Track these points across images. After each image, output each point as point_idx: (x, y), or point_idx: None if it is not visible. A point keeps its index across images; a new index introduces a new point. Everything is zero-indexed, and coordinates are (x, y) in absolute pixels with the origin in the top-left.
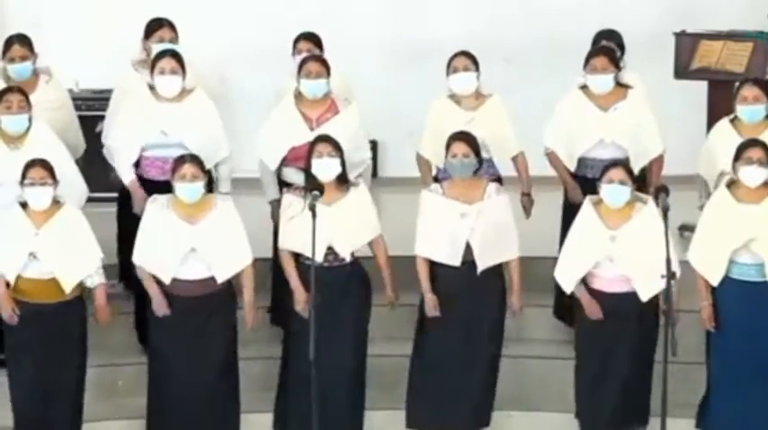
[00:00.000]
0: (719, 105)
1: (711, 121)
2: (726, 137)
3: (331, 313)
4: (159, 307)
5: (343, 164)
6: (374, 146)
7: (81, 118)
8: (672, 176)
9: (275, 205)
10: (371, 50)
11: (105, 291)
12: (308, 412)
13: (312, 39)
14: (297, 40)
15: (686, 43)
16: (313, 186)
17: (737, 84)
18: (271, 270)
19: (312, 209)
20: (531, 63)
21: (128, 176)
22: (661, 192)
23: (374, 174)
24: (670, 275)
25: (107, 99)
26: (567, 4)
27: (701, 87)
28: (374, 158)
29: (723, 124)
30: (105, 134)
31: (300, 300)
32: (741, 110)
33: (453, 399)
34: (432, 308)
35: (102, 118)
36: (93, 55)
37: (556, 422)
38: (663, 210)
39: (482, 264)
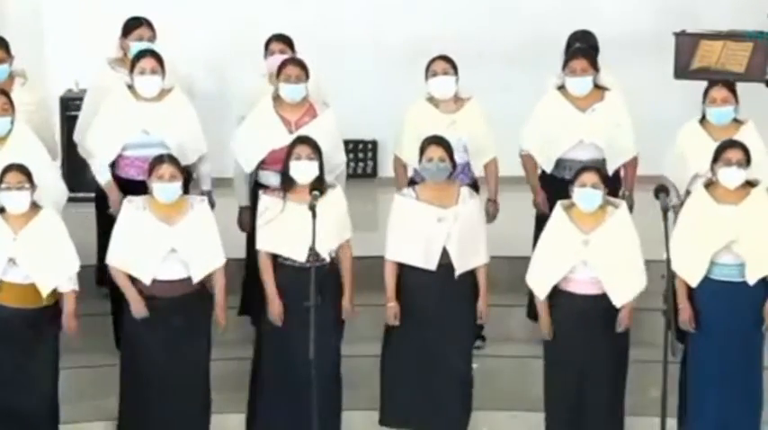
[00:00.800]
0: None
1: None
2: (696, 139)
3: (308, 314)
4: (138, 309)
5: (321, 166)
6: (374, 146)
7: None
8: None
9: (244, 212)
10: (371, 50)
11: (75, 297)
12: (279, 413)
13: (284, 40)
14: (269, 42)
15: (686, 43)
16: (314, 186)
17: (706, 85)
18: (245, 269)
19: (312, 209)
20: (527, 63)
21: (104, 177)
22: (661, 192)
23: (374, 173)
24: (670, 275)
25: None
26: (566, 4)
27: (701, 87)
28: (374, 158)
29: (692, 126)
30: (81, 134)
31: (274, 310)
32: (710, 112)
33: (429, 402)
34: (392, 316)
35: None
36: (93, 55)
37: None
38: (663, 210)
39: (459, 267)
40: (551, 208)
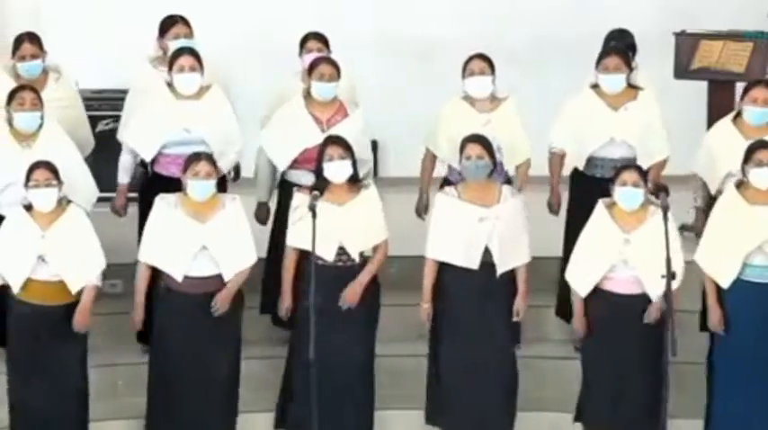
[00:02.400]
0: (719, 105)
1: (711, 121)
2: (728, 137)
3: (340, 313)
4: (138, 319)
5: (354, 165)
6: (374, 146)
7: None
8: (672, 176)
9: (262, 207)
10: (371, 50)
11: (95, 293)
12: (310, 412)
13: (320, 38)
14: (305, 40)
15: (686, 43)
16: (314, 186)
17: (746, 84)
18: (265, 268)
19: (312, 209)
20: (530, 63)
21: (122, 179)
22: (661, 191)
23: (374, 173)
24: (670, 275)
25: (107, 99)
26: (567, 4)
27: (701, 87)
28: (374, 158)
29: (725, 124)
30: (121, 131)
31: (284, 305)
32: (750, 111)
33: (473, 404)
34: (426, 317)
35: (102, 118)
36: (93, 55)
37: (563, 422)
38: (663, 210)
39: (502, 268)
40: (581, 206)
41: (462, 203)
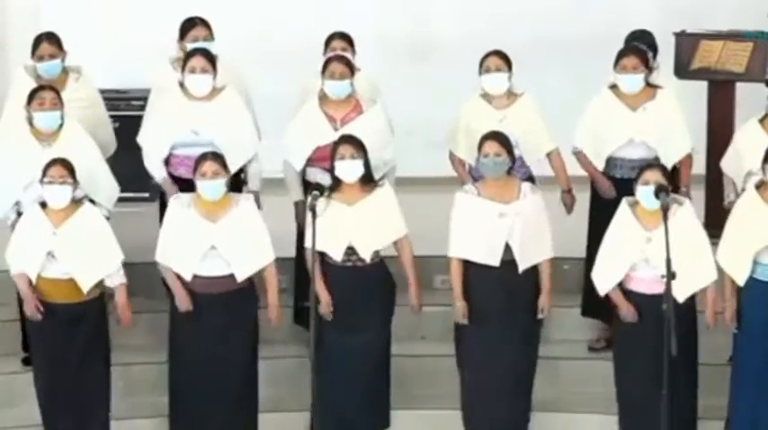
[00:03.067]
0: (719, 105)
1: (711, 121)
2: (753, 136)
3: (351, 313)
4: (182, 303)
5: (366, 164)
6: None
7: None
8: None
9: (300, 206)
10: (371, 50)
11: (126, 290)
12: (339, 410)
13: (345, 38)
14: (330, 39)
15: (686, 43)
16: (316, 186)
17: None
18: (294, 270)
19: (312, 209)
20: (530, 62)
21: (160, 174)
22: (661, 191)
23: None
24: (670, 275)
25: (110, 99)
26: (567, 4)
27: (701, 87)
28: None
29: (751, 124)
30: (140, 133)
31: (323, 304)
32: None
33: (495, 400)
34: (461, 315)
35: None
36: (95, 55)
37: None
38: (663, 209)
39: (523, 264)
40: (601, 206)
41: (482, 200)
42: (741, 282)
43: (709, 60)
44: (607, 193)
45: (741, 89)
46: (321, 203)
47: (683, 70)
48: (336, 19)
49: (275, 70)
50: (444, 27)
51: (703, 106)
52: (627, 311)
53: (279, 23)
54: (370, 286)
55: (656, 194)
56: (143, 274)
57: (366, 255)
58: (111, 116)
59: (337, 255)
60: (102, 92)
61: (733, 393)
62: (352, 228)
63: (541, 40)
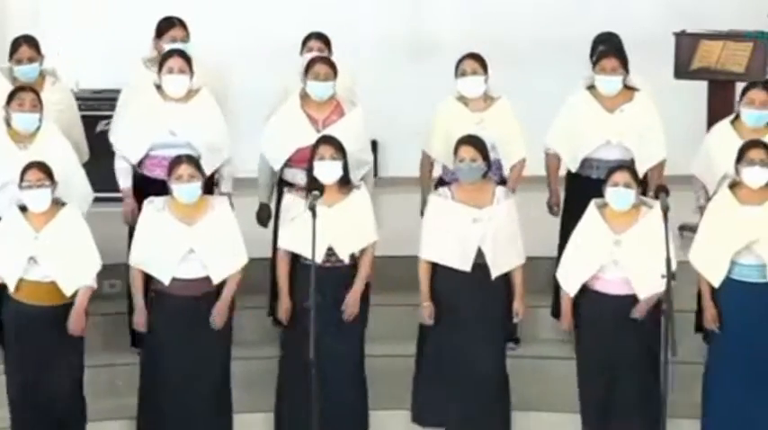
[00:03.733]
0: (719, 105)
1: (711, 121)
2: (726, 139)
3: (329, 314)
4: (139, 321)
5: (345, 166)
6: (374, 146)
7: (81, 118)
8: (672, 176)
9: (264, 208)
10: (371, 50)
11: (89, 295)
12: (308, 412)
13: (322, 38)
14: (307, 39)
15: (686, 43)
16: (314, 186)
17: (744, 85)
18: (270, 272)
19: (312, 209)
20: (530, 63)
21: (124, 182)
22: (661, 191)
23: (374, 173)
24: (670, 275)
25: (107, 99)
26: (567, 4)
27: (701, 87)
28: (374, 158)
29: (723, 126)
30: (112, 131)
31: (282, 307)
32: (747, 113)
33: (463, 403)
34: (427, 316)
35: (102, 118)
36: (94, 55)
37: (557, 421)
38: (663, 210)
39: (496, 270)
40: (576, 207)
41: (455, 204)
42: (716, 283)
43: (709, 60)
44: (554, 210)
45: (741, 89)
46: (298, 204)
47: (683, 70)
48: (336, 19)
49: (275, 70)
50: (444, 27)
51: (703, 106)
52: (566, 322)
53: (278, 23)
54: (345, 287)
55: (656, 195)
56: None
57: (345, 256)
58: (111, 116)
59: (318, 256)
60: (101, 92)
61: (712, 394)
62: (332, 230)
63: (541, 41)
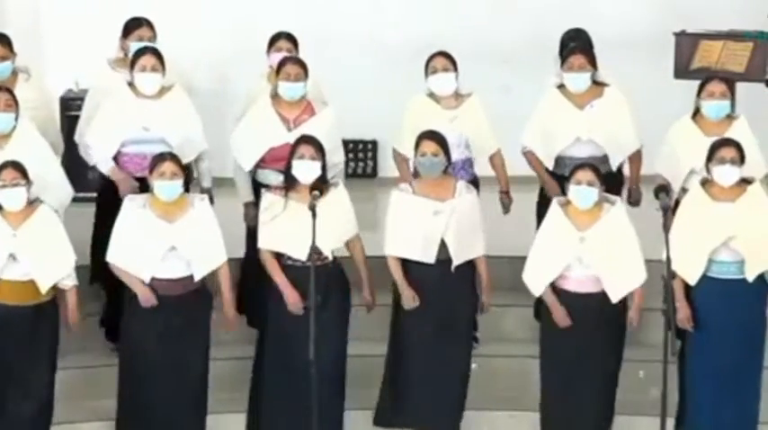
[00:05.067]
0: None
1: None
2: (688, 135)
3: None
4: (146, 299)
5: (323, 167)
6: (374, 146)
7: (78, 117)
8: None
9: (250, 207)
10: (371, 49)
11: (76, 293)
12: (281, 413)
13: (290, 38)
14: (275, 39)
15: (686, 43)
16: (315, 186)
17: (702, 80)
18: (241, 269)
19: (312, 209)
20: (528, 62)
21: (107, 165)
22: (661, 191)
23: (374, 173)
24: (670, 275)
25: None
26: (566, 4)
27: None
28: (374, 158)
29: (684, 122)
30: (81, 133)
31: (292, 299)
32: (707, 105)
33: (428, 399)
34: (411, 299)
35: None
36: (93, 55)
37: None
38: (663, 210)
39: (457, 259)
40: (548, 204)
41: (417, 198)
42: (693, 281)
43: (709, 60)
44: (554, 193)
45: (741, 89)
46: (278, 204)
47: (682, 70)
48: (336, 19)
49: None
50: (443, 27)
51: None
52: (560, 317)
53: (278, 25)
54: (330, 285)
55: (656, 194)
56: None
57: (328, 253)
58: None
59: (302, 254)
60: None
61: (690, 392)
62: (312, 229)
63: (541, 41)
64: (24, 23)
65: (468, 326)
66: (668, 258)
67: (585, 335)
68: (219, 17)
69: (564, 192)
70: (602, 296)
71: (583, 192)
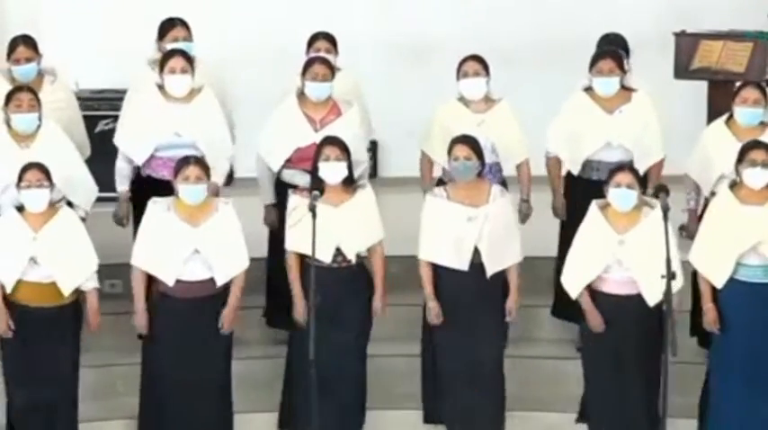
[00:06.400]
0: (719, 105)
1: (711, 121)
2: (721, 139)
3: (336, 313)
4: (140, 323)
5: (350, 166)
6: (374, 146)
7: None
8: (672, 176)
9: (271, 209)
10: (371, 50)
11: (97, 295)
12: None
13: (329, 38)
14: (313, 39)
15: (686, 43)
16: (314, 186)
17: (737, 84)
18: (266, 272)
19: (312, 209)
20: (529, 62)
21: (121, 185)
22: (661, 191)
23: (374, 173)
24: (670, 275)
25: (107, 99)
26: (567, 4)
27: (701, 87)
28: (374, 158)
29: (718, 126)
30: (117, 133)
31: (298, 310)
32: (740, 112)
33: (467, 402)
34: (434, 316)
35: (102, 118)
36: (93, 55)
37: (558, 422)
38: (663, 210)
39: (491, 268)
40: (578, 208)
41: (451, 204)
42: (719, 284)
43: (710, 60)
44: (558, 211)
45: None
46: (304, 206)
47: (683, 70)
48: (337, 20)
49: (277, 71)
50: (444, 28)
51: (703, 106)
52: (595, 321)
53: (277, 24)
54: (354, 287)
55: (656, 195)
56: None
57: (351, 256)
58: (111, 116)
59: (326, 256)
60: (102, 91)
61: (716, 395)
62: (339, 230)
63: (541, 41)
64: (24, 23)
65: (499, 330)
66: (668, 259)
67: (624, 336)
68: (219, 22)
69: (585, 198)
70: (640, 298)
71: (622, 194)
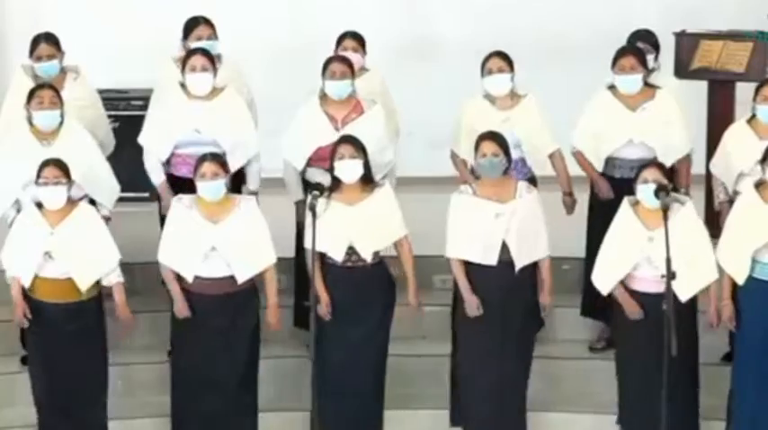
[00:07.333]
0: (719, 105)
1: (711, 121)
2: (743, 138)
3: (351, 313)
4: (180, 310)
5: (366, 165)
6: None
7: None
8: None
9: (300, 206)
10: (372, 50)
11: (123, 289)
12: (339, 410)
13: (357, 37)
14: (341, 39)
15: (686, 43)
16: (315, 186)
17: (758, 83)
18: (294, 271)
19: (312, 209)
20: (529, 62)
21: (158, 177)
22: (661, 191)
23: None
24: (670, 276)
25: (107, 99)
26: (569, 4)
27: (701, 87)
28: None
29: (740, 125)
30: (142, 133)
31: (322, 305)
32: (761, 109)
33: (496, 398)
34: (474, 308)
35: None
36: (93, 55)
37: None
38: (663, 209)
39: (519, 262)
40: (600, 206)
41: (478, 200)
42: (741, 280)
43: (709, 60)
44: (605, 194)
45: (741, 89)
46: (321, 204)
47: (683, 70)
48: (338, 19)
49: (277, 70)
50: (444, 27)
51: (703, 106)
52: (632, 309)
53: (283, 23)
54: (370, 286)
55: (656, 194)
56: (144, 274)
57: (367, 255)
58: (112, 116)
59: (338, 255)
60: (103, 92)
61: (735, 392)
62: (353, 229)
63: (542, 40)
64: (24, 23)
65: (529, 327)
66: (668, 259)
67: (656, 333)
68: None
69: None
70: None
71: (650, 190)
